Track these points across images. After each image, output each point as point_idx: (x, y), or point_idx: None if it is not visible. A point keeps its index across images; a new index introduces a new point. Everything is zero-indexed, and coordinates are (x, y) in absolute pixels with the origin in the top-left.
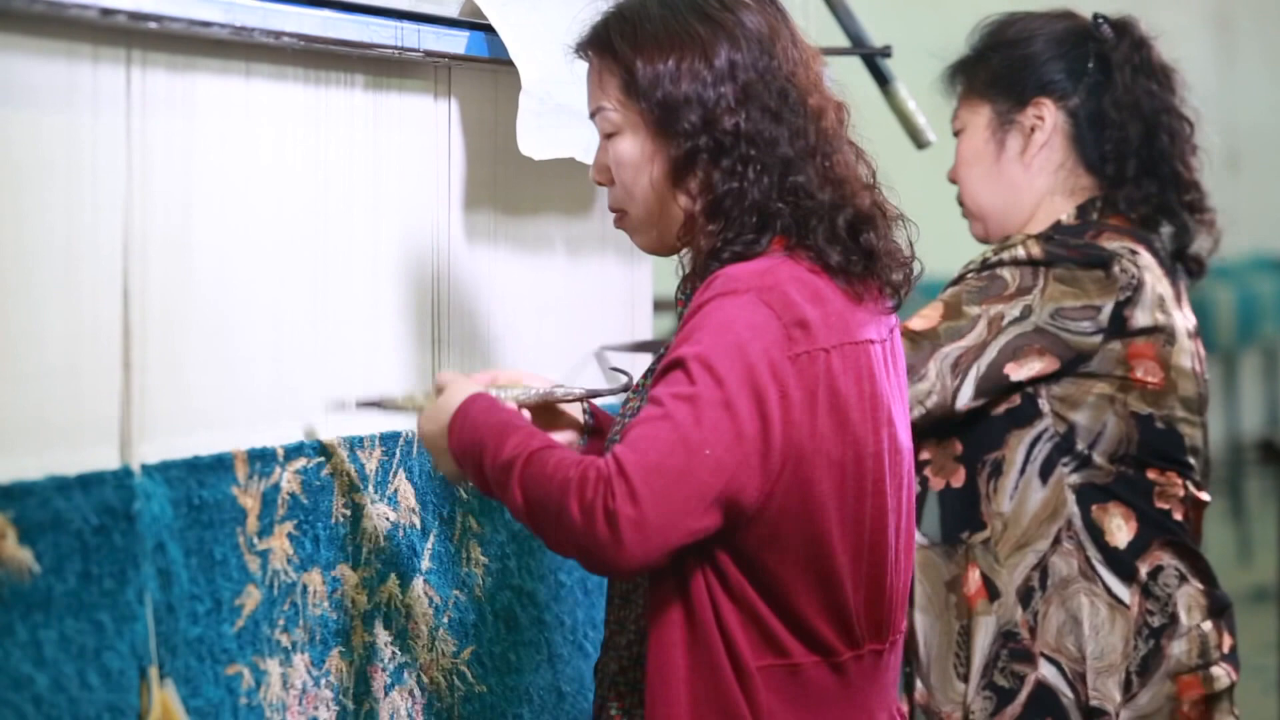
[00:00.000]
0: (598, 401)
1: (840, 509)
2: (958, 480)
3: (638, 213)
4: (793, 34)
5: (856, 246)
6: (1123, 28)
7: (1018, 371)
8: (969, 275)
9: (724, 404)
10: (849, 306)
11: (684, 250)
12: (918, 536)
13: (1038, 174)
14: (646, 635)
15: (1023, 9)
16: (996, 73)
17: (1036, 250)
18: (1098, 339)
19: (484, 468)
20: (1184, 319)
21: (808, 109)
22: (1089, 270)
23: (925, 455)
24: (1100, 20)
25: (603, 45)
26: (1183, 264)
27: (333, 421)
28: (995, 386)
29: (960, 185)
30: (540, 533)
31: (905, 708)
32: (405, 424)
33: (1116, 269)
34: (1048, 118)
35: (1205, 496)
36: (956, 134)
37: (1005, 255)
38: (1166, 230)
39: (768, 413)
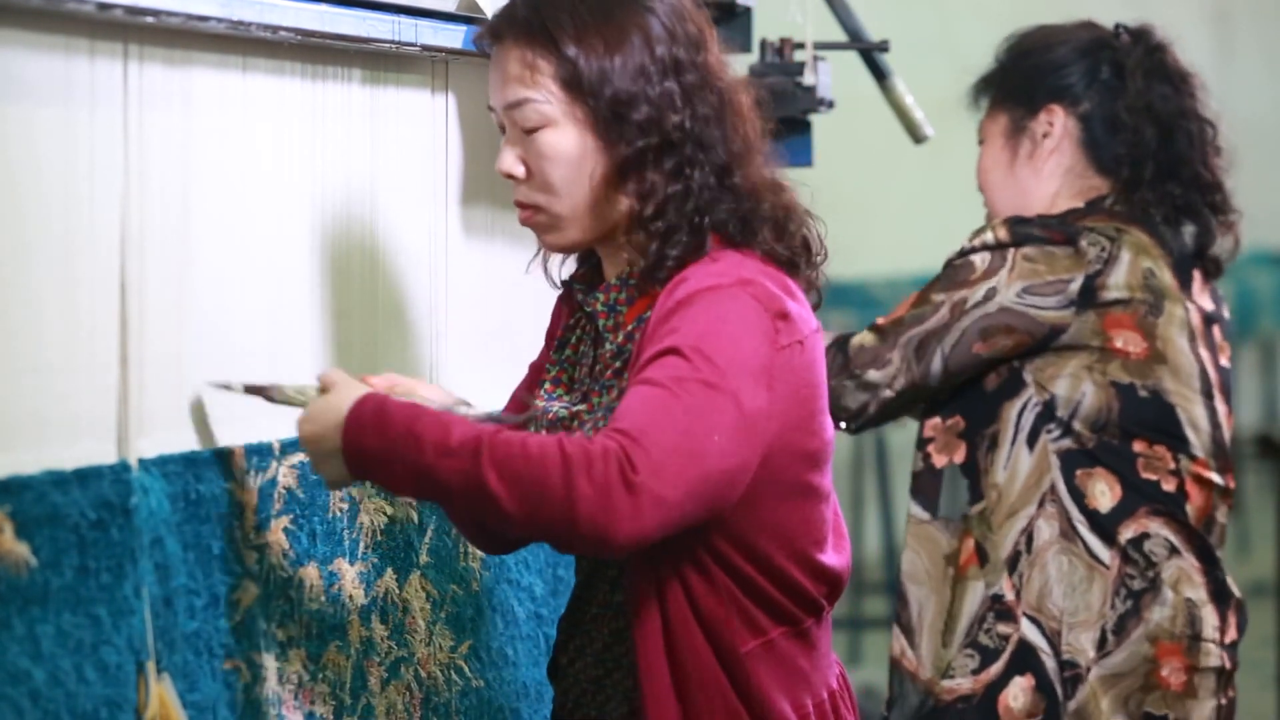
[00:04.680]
0: None
1: (804, 492)
2: (960, 456)
3: (561, 210)
4: (713, 30)
5: (796, 242)
6: (1139, 34)
7: (988, 350)
8: (948, 264)
9: (730, 393)
10: (802, 298)
11: (577, 250)
12: (915, 510)
13: (1048, 179)
14: (622, 637)
15: (1020, 6)
16: (1013, 82)
17: (1003, 233)
18: (1069, 312)
19: (422, 459)
20: (1188, 299)
21: (738, 108)
22: (1059, 247)
23: (929, 433)
24: (1120, 29)
25: (534, 32)
26: (1202, 264)
27: None
28: (967, 363)
29: (982, 193)
30: (516, 513)
31: (887, 674)
32: None
33: (1084, 243)
34: (1057, 124)
35: (1215, 478)
36: (981, 144)
37: (977, 241)
38: (1189, 229)
39: (759, 405)
